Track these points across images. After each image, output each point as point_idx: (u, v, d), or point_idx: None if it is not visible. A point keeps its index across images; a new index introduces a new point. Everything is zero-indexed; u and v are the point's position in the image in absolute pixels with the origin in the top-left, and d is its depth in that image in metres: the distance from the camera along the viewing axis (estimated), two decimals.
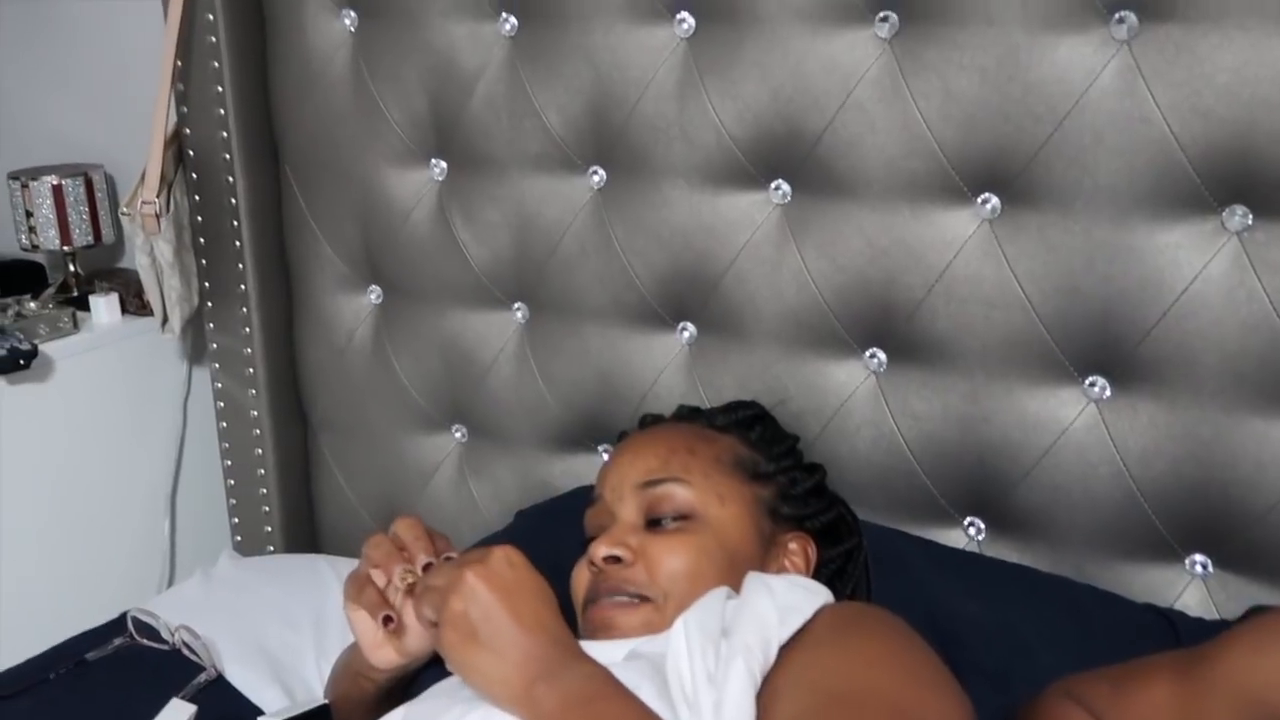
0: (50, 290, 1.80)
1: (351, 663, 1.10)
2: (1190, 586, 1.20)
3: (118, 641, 1.38)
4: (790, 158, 1.28)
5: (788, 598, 0.93)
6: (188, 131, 1.59)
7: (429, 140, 1.49)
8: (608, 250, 1.40)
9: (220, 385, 1.67)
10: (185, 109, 1.58)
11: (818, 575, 1.09)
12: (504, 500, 1.52)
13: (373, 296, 1.58)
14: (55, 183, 1.75)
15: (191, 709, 0.98)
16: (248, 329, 1.62)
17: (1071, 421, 1.20)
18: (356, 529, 1.65)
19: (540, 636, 0.88)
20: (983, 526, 1.28)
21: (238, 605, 1.45)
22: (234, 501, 1.70)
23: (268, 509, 1.67)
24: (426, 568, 0.99)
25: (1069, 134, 1.15)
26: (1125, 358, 1.17)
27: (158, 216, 1.54)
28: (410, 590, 0.99)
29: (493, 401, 1.52)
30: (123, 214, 1.58)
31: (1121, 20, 1.11)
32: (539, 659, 0.87)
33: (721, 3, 1.28)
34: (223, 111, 1.56)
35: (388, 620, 0.99)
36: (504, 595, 0.87)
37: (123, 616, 1.41)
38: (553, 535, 1.22)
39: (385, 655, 1.03)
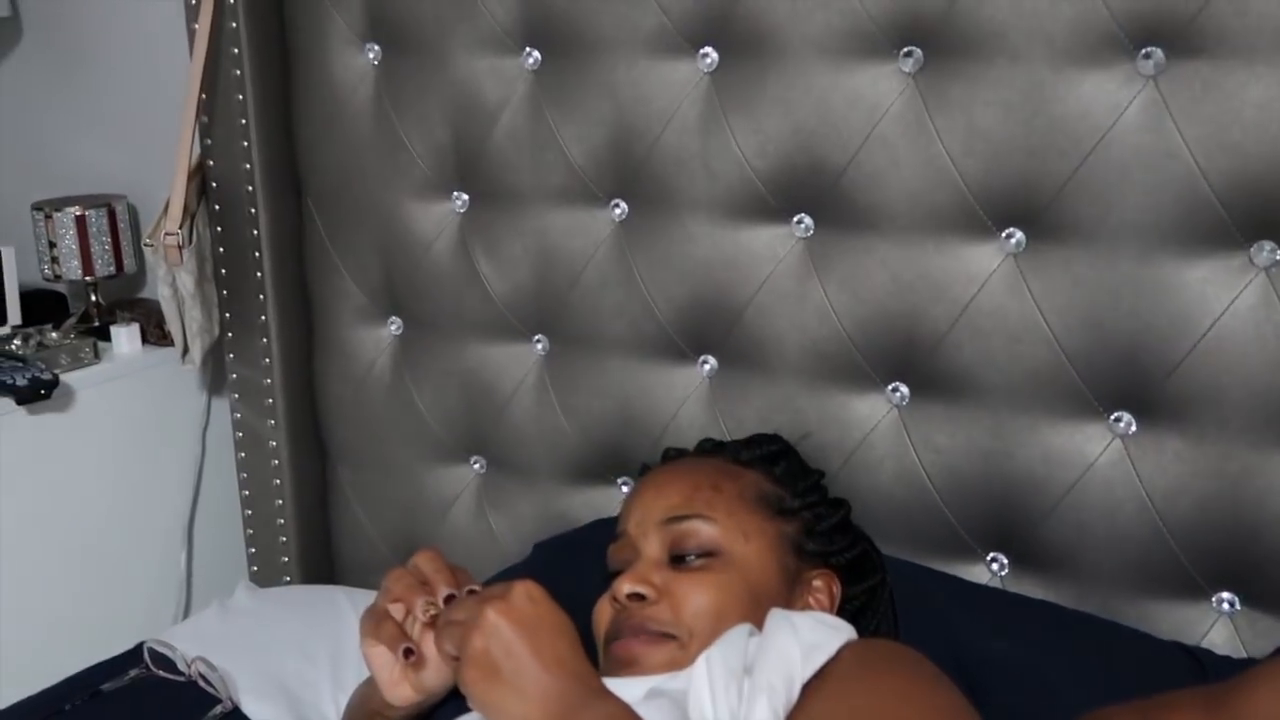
0: (72, 320, 1.81)
1: (367, 699, 1.08)
2: (1217, 624, 1.18)
3: (133, 672, 1.37)
4: (813, 191, 1.28)
5: (811, 635, 0.92)
6: (211, 164, 1.60)
7: (451, 173, 1.49)
8: (629, 283, 1.40)
9: (239, 415, 1.67)
10: (209, 141, 1.59)
11: (841, 611, 1.08)
12: (522, 532, 1.51)
13: (393, 328, 1.59)
14: (79, 213, 1.76)
15: None
16: (268, 360, 1.62)
17: (1097, 457, 1.20)
18: (374, 560, 1.64)
19: (561, 674, 0.87)
20: (1006, 562, 1.27)
21: (254, 637, 1.45)
22: (251, 532, 1.70)
23: (285, 539, 1.67)
24: (448, 600, 0.98)
25: (1095, 169, 1.14)
26: (1151, 393, 1.17)
27: (180, 248, 1.55)
28: (432, 623, 0.98)
29: (512, 433, 1.52)
30: (146, 245, 1.59)
31: (1148, 56, 1.11)
32: (560, 697, 0.86)
33: (745, 37, 1.29)
34: (246, 144, 1.57)
35: (408, 653, 0.98)
36: (525, 632, 0.86)
37: (139, 647, 1.40)
38: (571, 567, 1.21)
39: (402, 692, 1.02)
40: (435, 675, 1.01)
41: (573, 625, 0.91)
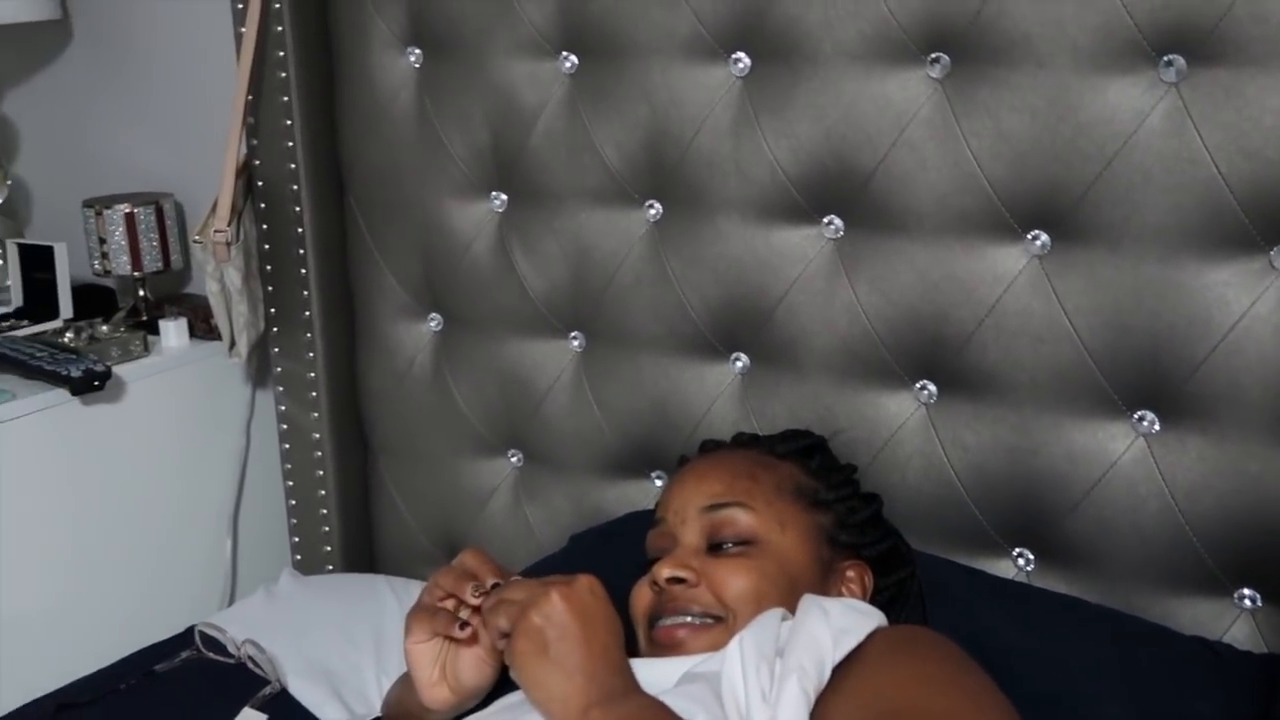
0: (121, 314, 1.87)
1: (404, 700, 1.11)
2: (1239, 620, 1.21)
3: (185, 654, 1.42)
4: (843, 194, 1.31)
5: (842, 620, 0.96)
6: (257, 163, 1.64)
7: (490, 174, 1.53)
8: (663, 281, 1.43)
9: (284, 408, 1.71)
10: (255, 141, 1.64)
11: (872, 602, 1.11)
12: (558, 525, 1.55)
13: (433, 324, 1.63)
14: (128, 211, 1.82)
15: (263, 718, 1.01)
16: (311, 354, 1.67)
17: (1120, 455, 1.22)
18: (413, 550, 1.69)
19: (606, 665, 0.91)
20: (1031, 557, 1.30)
21: (299, 622, 1.49)
22: (295, 521, 1.75)
23: (327, 529, 1.72)
24: (494, 588, 1.01)
25: (1118, 173, 1.17)
26: (1174, 393, 1.19)
27: (228, 245, 1.60)
28: (478, 611, 1.00)
29: (548, 428, 1.56)
30: (195, 242, 1.64)
31: (1170, 63, 1.14)
32: (601, 685, 0.90)
33: (776, 44, 1.32)
34: (291, 144, 1.61)
35: (464, 625, 0.99)
36: (582, 619, 0.91)
37: (189, 630, 1.45)
38: (607, 558, 1.25)
39: (439, 694, 1.03)
40: (473, 675, 1.02)
41: (622, 627, 0.95)
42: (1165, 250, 1.17)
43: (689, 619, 1.05)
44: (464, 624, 1.00)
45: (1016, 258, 1.24)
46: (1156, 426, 1.21)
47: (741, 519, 1.08)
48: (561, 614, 0.91)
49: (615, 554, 1.23)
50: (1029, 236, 1.23)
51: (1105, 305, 1.20)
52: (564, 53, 1.45)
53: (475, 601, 1.00)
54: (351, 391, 1.70)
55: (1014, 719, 0.92)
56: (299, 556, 1.75)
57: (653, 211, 1.44)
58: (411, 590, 1.56)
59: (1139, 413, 1.21)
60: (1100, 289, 1.20)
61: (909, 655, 0.94)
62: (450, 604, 1.03)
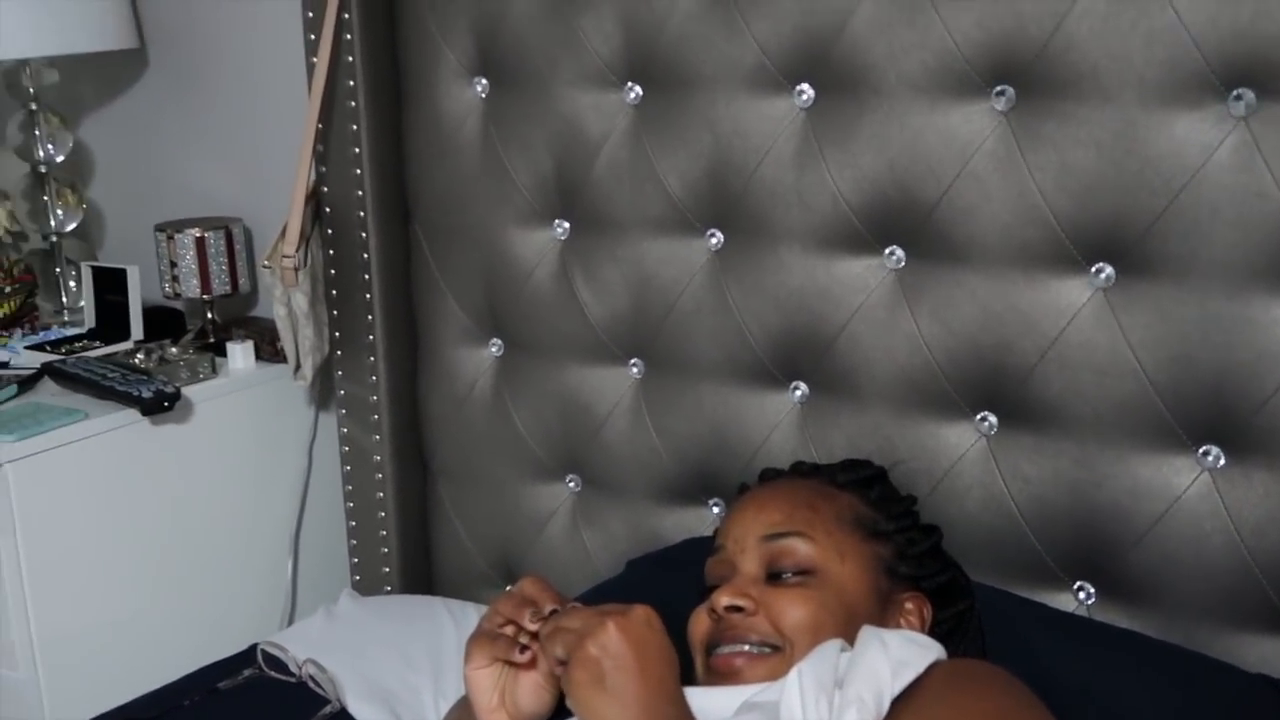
0: (189, 336, 1.91)
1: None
2: None
3: (247, 672, 1.44)
4: (905, 225, 1.32)
5: (901, 652, 0.96)
6: (325, 190, 1.68)
7: (553, 202, 1.55)
8: (723, 310, 1.45)
9: (346, 430, 1.74)
10: (324, 169, 1.67)
11: (931, 634, 1.11)
12: (615, 550, 1.56)
13: (494, 349, 1.65)
14: (198, 235, 1.86)
15: None
16: (374, 378, 1.70)
17: (1184, 490, 1.21)
18: (471, 573, 1.71)
19: (661, 696, 0.92)
20: (1092, 591, 1.29)
21: (359, 642, 1.51)
22: (355, 542, 1.77)
23: (387, 550, 1.74)
24: (552, 614, 1.01)
25: (1185, 207, 1.17)
26: (1240, 427, 1.18)
27: (296, 270, 1.63)
28: (537, 636, 1.00)
29: (607, 453, 1.57)
30: (264, 266, 1.67)
31: (1239, 97, 1.13)
32: (657, 716, 0.91)
33: (841, 75, 1.33)
34: (359, 171, 1.64)
35: (523, 649, 0.99)
36: (638, 650, 0.91)
37: (252, 648, 1.47)
38: (663, 584, 1.25)
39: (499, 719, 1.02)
40: (532, 701, 1.01)
41: (677, 658, 0.95)
42: (1232, 284, 1.16)
43: (746, 648, 1.05)
44: (523, 648, 1.00)
45: (1080, 290, 1.24)
46: (1222, 461, 1.20)
47: (801, 549, 1.09)
48: (618, 645, 0.91)
49: (672, 581, 1.24)
50: (1093, 269, 1.23)
51: (1170, 339, 1.20)
52: (629, 83, 1.47)
53: (534, 627, 1.00)
54: (413, 414, 1.73)
55: None
56: (358, 577, 1.77)
57: (714, 240, 1.45)
58: (469, 613, 1.58)
59: (1204, 447, 1.20)
60: (1165, 322, 1.20)
61: (971, 688, 0.94)
62: (510, 630, 1.02)
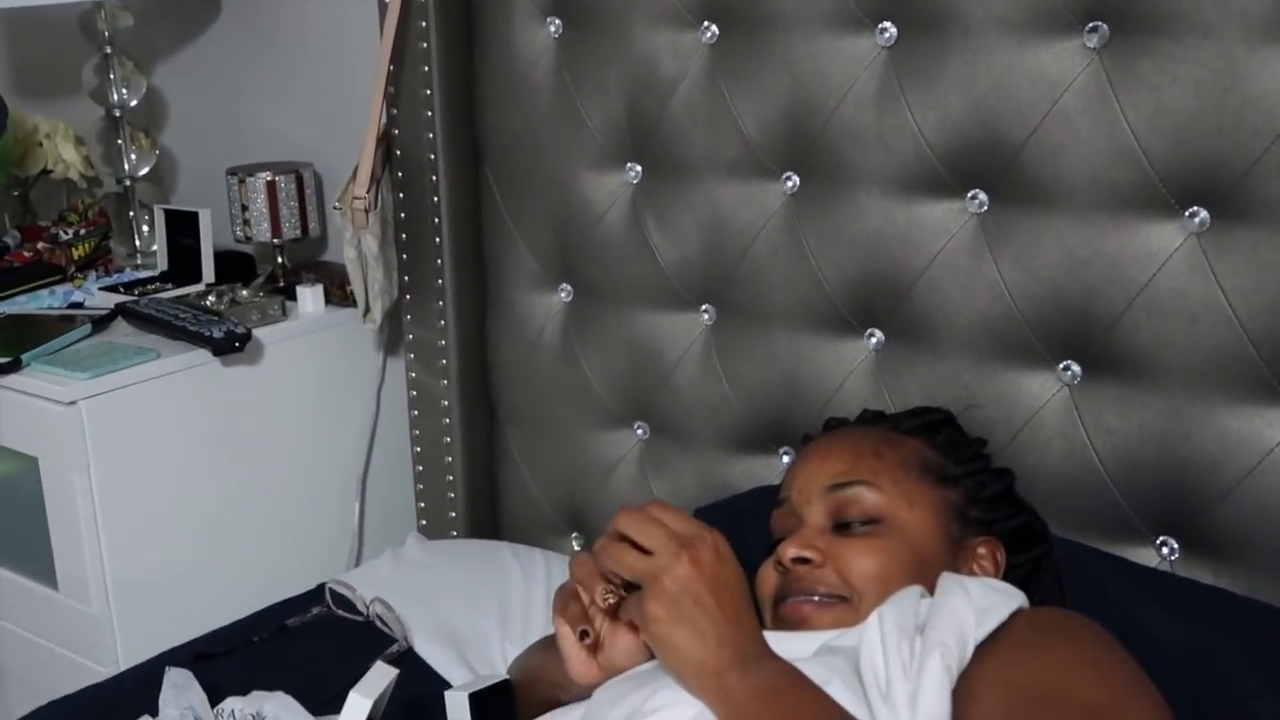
0: (260, 279, 1.91)
1: (546, 669, 1.11)
2: None
3: (316, 610, 1.45)
4: (989, 167, 1.28)
5: (984, 599, 0.93)
6: (396, 132, 1.67)
7: (626, 145, 1.53)
8: (798, 255, 1.42)
9: (414, 375, 1.74)
10: (395, 111, 1.66)
11: (1006, 579, 1.08)
12: (683, 498, 1.55)
13: (563, 295, 1.63)
14: (269, 179, 1.86)
15: (394, 672, 1.02)
16: (443, 322, 1.69)
17: (1278, 443, 1.17)
18: (537, 519, 1.70)
19: (739, 628, 0.90)
20: (1176, 546, 1.25)
21: (426, 585, 1.52)
22: (421, 487, 1.77)
23: (453, 495, 1.74)
24: (629, 587, 0.97)
25: None
26: None
27: (366, 211, 1.62)
28: (612, 611, 0.98)
29: (676, 401, 1.55)
30: (335, 208, 1.67)
31: None
32: (735, 647, 0.89)
33: (925, 13, 1.29)
34: (430, 114, 1.63)
35: (584, 635, 0.98)
36: (712, 582, 0.89)
37: (320, 587, 1.48)
38: (733, 532, 1.23)
39: (589, 671, 0.99)
40: (623, 655, 0.99)
41: (748, 587, 0.94)
42: None
43: (815, 599, 1.03)
44: (585, 632, 0.97)
45: (1173, 235, 1.19)
46: None
47: (867, 497, 1.06)
48: (693, 579, 0.89)
49: (741, 529, 1.21)
50: (1187, 214, 1.19)
51: (1268, 285, 1.15)
52: (705, 22, 1.44)
53: (604, 606, 0.97)
54: (481, 360, 1.72)
55: (1168, 714, 0.88)
56: (424, 521, 1.78)
57: (790, 184, 1.42)
58: (535, 559, 1.58)
59: None
60: (1262, 269, 1.15)
61: (1057, 638, 0.92)
62: (585, 597, 0.99)
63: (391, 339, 1.86)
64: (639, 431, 1.61)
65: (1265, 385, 1.17)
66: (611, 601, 0.97)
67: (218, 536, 1.72)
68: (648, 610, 0.90)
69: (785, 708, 0.86)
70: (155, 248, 1.98)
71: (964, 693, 0.87)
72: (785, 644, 0.95)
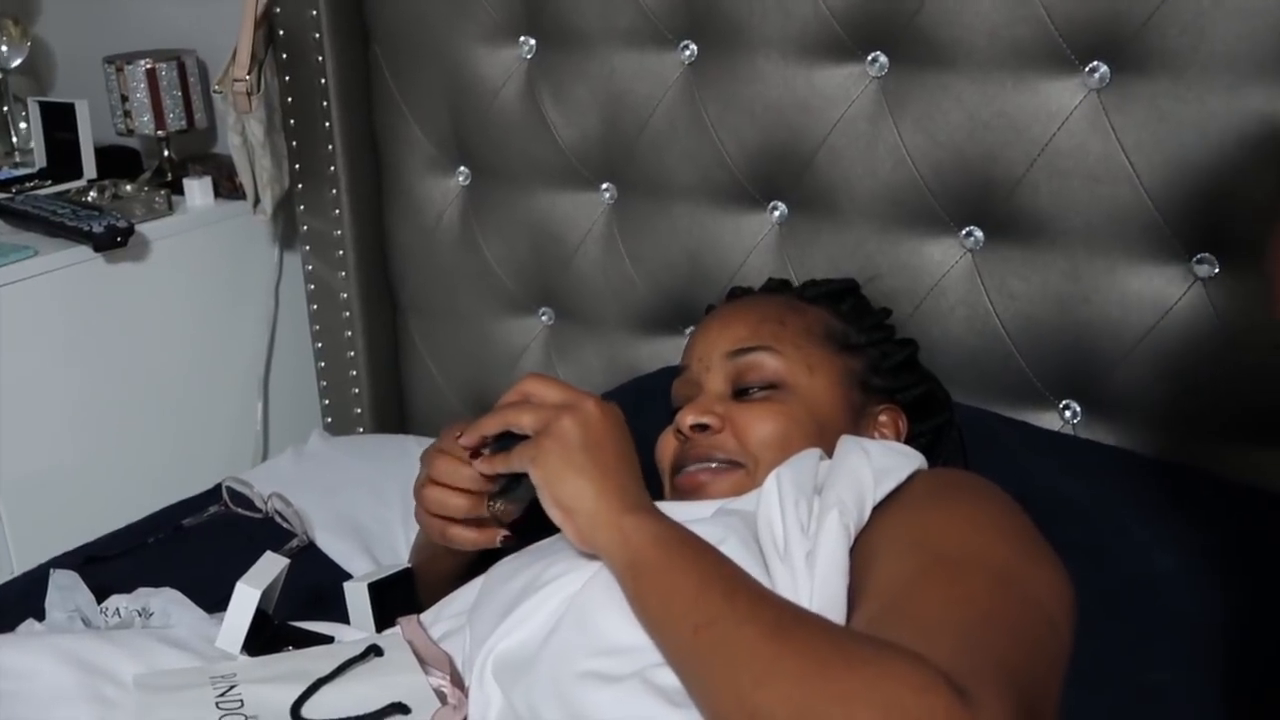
0: (146, 174, 1.83)
1: (430, 545, 1.10)
2: None
3: (213, 509, 1.41)
4: (889, 27, 1.24)
5: (883, 460, 0.92)
6: (277, 11, 1.58)
7: (518, 16, 1.47)
8: (698, 127, 1.38)
9: (311, 268, 1.68)
10: None
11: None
12: (590, 383, 1.52)
13: (461, 178, 1.58)
14: (149, 66, 1.77)
15: (284, 562, 0.99)
16: (338, 211, 1.63)
17: (1176, 301, 1.17)
18: (444, 410, 1.67)
19: (634, 478, 0.88)
20: (1079, 409, 1.25)
21: (328, 480, 1.48)
22: (325, 383, 1.73)
23: (357, 390, 1.69)
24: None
25: None
26: (1238, 234, 1.13)
27: (249, 94, 1.55)
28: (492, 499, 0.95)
29: (580, 283, 1.51)
30: (215, 92, 1.60)
31: None
32: (633, 495, 0.86)
33: None
34: None
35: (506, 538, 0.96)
36: (601, 436, 0.87)
37: (217, 487, 1.44)
38: (638, 413, 1.21)
39: (486, 538, 0.97)
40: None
41: (635, 455, 0.91)
42: (1235, 79, 1.09)
43: (712, 465, 1.01)
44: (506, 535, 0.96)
45: (1073, 92, 1.17)
46: (1216, 269, 1.15)
47: (767, 363, 1.04)
48: (595, 423, 0.87)
49: (647, 408, 1.20)
50: (1086, 69, 1.16)
51: (1167, 141, 1.13)
52: None
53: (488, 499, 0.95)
54: (379, 249, 1.67)
55: (1060, 568, 0.88)
56: (329, 418, 1.73)
57: (688, 53, 1.37)
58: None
59: (1199, 255, 1.15)
60: (1162, 123, 1.13)
61: (958, 498, 0.90)
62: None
63: (287, 232, 1.79)
64: (544, 317, 1.57)
65: (1165, 243, 1.16)
66: (494, 492, 0.94)
67: (113, 440, 1.66)
68: (541, 450, 0.87)
69: (684, 556, 0.83)
70: (32, 144, 1.89)
71: (863, 553, 0.86)
72: (682, 511, 0.93)
